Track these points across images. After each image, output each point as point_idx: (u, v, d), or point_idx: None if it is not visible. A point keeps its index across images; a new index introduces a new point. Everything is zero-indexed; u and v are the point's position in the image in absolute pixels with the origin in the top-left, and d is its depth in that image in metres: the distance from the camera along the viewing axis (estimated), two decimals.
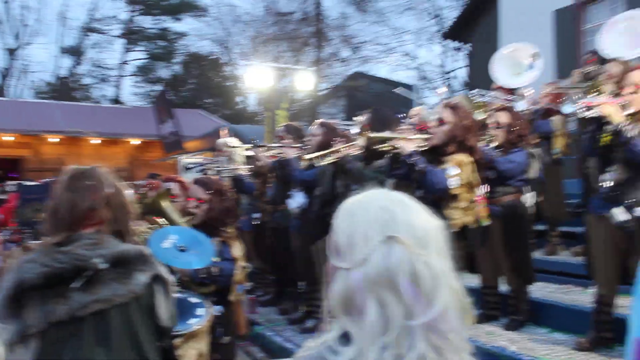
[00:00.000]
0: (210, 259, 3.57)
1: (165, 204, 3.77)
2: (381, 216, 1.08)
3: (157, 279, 2.08)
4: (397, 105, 17.22)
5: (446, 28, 21.62)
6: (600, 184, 3.70)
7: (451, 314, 1.06)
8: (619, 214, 3.52)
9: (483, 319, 4.73)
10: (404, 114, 5.25)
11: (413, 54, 16.74)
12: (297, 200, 5.31)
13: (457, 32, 18.83)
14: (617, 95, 3.95)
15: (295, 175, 5.23)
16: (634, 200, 3.54)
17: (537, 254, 6.05)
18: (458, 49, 24.21)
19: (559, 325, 4.50)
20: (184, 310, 3.36)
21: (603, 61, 5.79)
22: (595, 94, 3.98)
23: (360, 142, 4.16)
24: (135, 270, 2.02)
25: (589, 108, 3.54)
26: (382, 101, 21.01)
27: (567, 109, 3.71)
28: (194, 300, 3.45)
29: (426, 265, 1.05)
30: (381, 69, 30.52)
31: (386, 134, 3.99)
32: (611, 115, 3.45)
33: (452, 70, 25.62)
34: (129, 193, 2.26)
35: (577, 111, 3.63)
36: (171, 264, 3.43)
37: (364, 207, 1.12)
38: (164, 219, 3.76)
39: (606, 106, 3.47)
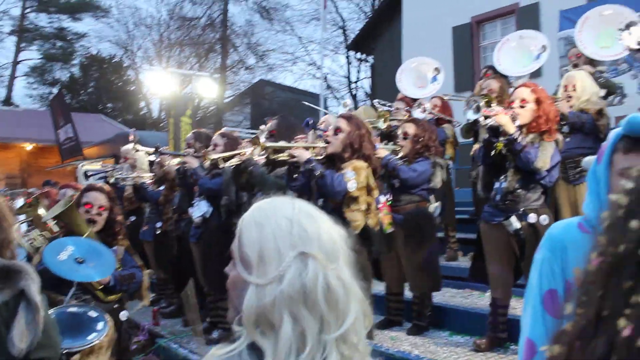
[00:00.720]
0: (110, 271, 3.45)
1: (73, 214, 3.63)
2: (291, 229, 1.08)
3: (22, 297, 1.80)
4: (303, 113, 17.37)
5: (351, 40, 22.06)
6: (494, 193, 3.90)
7: (359, 324, 1.08)
8: (514, 222, 3.73)
9: (387, 324, 4.85)
10: (314, 121, 5.31)
11: (319, 63, 16.99)
12: (200, 209, 5.22)
13: (361, 44, 19.32)
14: (506, 108, 4.21)
15: (200, 183, 5.15)
16: (526, 207, 3.76)
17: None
18: (362, 60, 24.81)
19: (459, 328, 4.68)
20: (83, 326, 3.22)
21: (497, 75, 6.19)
22: (484, 103, 4.22)
23: (256, 152, 4.20)
24: None
25: (486, 117, 3.74)
26: (288, 109, 21.13)
27: (470, 115, 3.89)
28: (93, 314, 3.31)
29: (339, 279, 1.06)
30: (287, 78, 30.58)
31: (281, 143, 4.07)
32: (506, 124, 3.66)
33: (357, 81, 26.19)
34: (10, 202, 2.11)
35: (479, 118, 3.82)
36: (69, 277, 3.29)
37: (273, 219, 1.10)
38: (67, 228, 3.63)
39: (501, 116, 3.68)
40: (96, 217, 3.63)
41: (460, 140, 6.98)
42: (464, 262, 6.16)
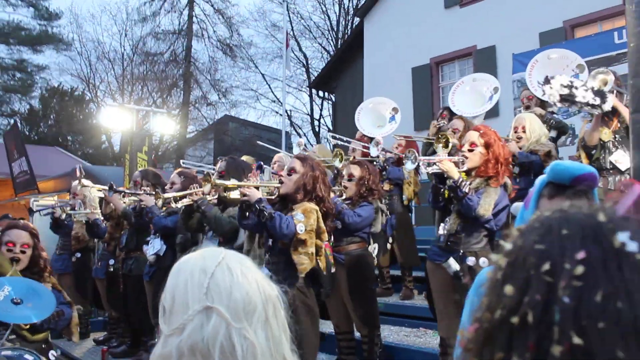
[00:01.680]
0: (50, 311, 3.35)
1: None
2: (203, 282, 1.05)
3: None
4: (265, 150, 17.41)
5: (314, 78, 22.35)
6: (439, 233, 3.94)
7: None
8: (452, 264, 3.76)
9: None
10: (260, 163, 5.35)
11: (282, 100, 17.15)
12: (154, 247, 5.16)
13: (323, 82, 19.60)
14: (455, 152, 4.29)
15: (155, 221, 5.11)
16: (466, 250, 3.79)
17: (393, 299, 6.31)
18: (324, 98, 25.13)
19: None
20: None
21: (452, 117, 6.34)
22: (441, 145, 4.29)
23: (206, 189, 4.18)
24: None
25: (430, 164, 3.79)
26: (251, 146, 21.14)
27: (409, 165, 3.93)
28: (29, 357, 3.17)
29: (244, 338, 1.02)
30: (250, 114, 30.71)
31: (233, 181, 4.05)
32: (450, 170, 3.71)
33: (320, 118, 26.44)
34: None
35: (420, 167, 3.87)
36: (5, 319, 3.17)
37: (189, 269, 1.08)
38: None
39: (445, 162, 3.73)
40: (20, 255, 3.53)
41: (424, 177, 7.06)
42: (419, 300, 6.17)
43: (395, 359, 4.81)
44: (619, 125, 4.35)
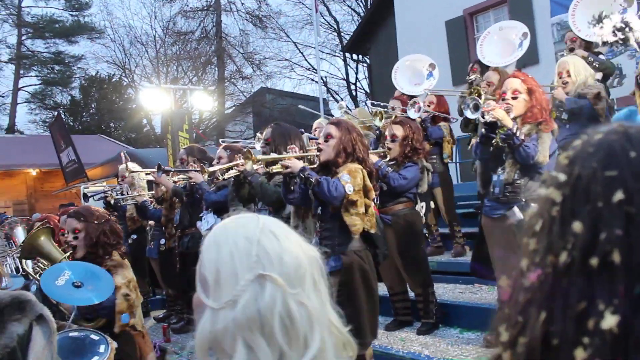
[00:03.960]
0: (110, 292, 3.42)
1: (42, 241, 3.60)
2: (250, 250, 1.00)
3: (38, 322, 1.84)
4: (305, 118, 17.37)
5: (346, 42, 22.05)
6: (492, 186, 3.84)
7: (329, 354, 1.00)
8: (518, 213, 3.65)
9: (396, 325, 4.81)
10: (302, 130, 5.30)
11: (316, 67, 17.03)
12: (208, 222, 5.21)
13: (356, 45, 19.30)
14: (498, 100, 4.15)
15: (206, 197, 5.14)
16: (528, 197, 3.68)
17: (444, 257, 6.26)
18: (359, 62, 24.81)
19: (469, 325, 4.63)
20: (86, 350, 3.19)
21: (483, 69, 6.16)
22: (478, 98, 4.17)
23: (248, 166, 4.17)
24: (9, 320, 1.80)
25: (484, 113, 3.68)
26: (290, 115, 21.14)
27: (469, 114, 3.83)
28: (95, 337, 3.28)
29: (301, 305, 0.98)
30: (286, 84, 30.59)
31: (273, 155, 4.03)
32: (504, 119, 3.59)
33: (356, 82, 26.17)
34: (10, 231, 2.09)
35: (479, 116, 3.76)
36: (68, 302, 3.27)
37: (231, 239, 1.03)
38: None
39: (498, 110, 3.61)
40: (74, 241, 3.56)
41: (459, 134, 6.94)
42: (470, 257, 6.11)
43: (451, 316, 4.79)
44: None
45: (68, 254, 3.56)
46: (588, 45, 5.65)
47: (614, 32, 3.87)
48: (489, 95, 4.72)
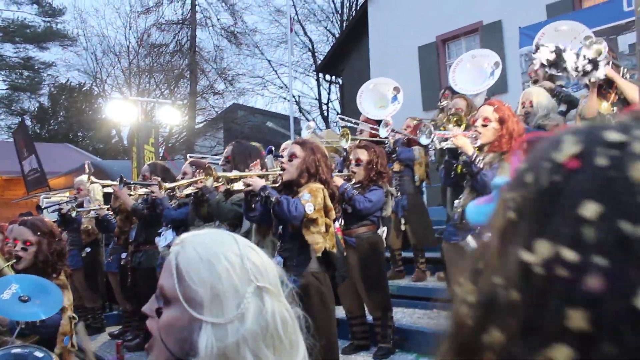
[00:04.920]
0: (58, 307, 3.32)
1: None
2: (243, 264, 1.05)
3: None
4: (274, 136, 17.38)
5: (320, 62, 22.21)
6: (453, 212, 3.87)
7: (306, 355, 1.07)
8: (470, 242, 3.68)
9: (353, 349, 4.77)
10: (271, 148, 5.29)
11: (289, 86, 17.08)
12: (166, 238, 5.14)
13: (330, 66, 19.45)
14: (467, 127, 4.20)
15: (166, 214, 5.10)
16: (483, 226, 3.72)
17: (405, 281, 6.26)
18: (332, 82, 24.97)
19: (427, 350, 4.61)
20: None
21: (455, 95, 6.24)
22: (448, 125, 4.22)
23: (209, 183, 4.14)
24: None
25: (444, 139, 3.71)
26: (260, 133, 21.12)
27: (423, 140, 3.86)
28: (39, 354, 3.16)
29: (287, 310, 1.05)
30: (259, 101, 30.59)
31: (234, 172, 4.02)
32: (464, 146, 3.63)
33: (328, 102, 26.32)
34: None
35: (435, 142, 3.78)
36: (12, 317, 3.15)
37: (221, 255, 1.06)
38: None
39: (460, 137, 3.65)
40: (21, 252, 3.45)
41: (432, 159, 6.98)
42: (431, 282, 6.12)
43: (408, 342, 4.77)
44: (616, 97, 4.24)
45: (11, 262, 3.43)
46: (551, 78, 5.78)
47: (549, 53, 3.95)
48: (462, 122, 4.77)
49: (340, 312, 5.07)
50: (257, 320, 1.00)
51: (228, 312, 1.01)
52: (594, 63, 3.86)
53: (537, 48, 3.86)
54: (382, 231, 4.76)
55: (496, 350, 0.49)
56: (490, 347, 0.50)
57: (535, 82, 5.93)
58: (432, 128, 3.84)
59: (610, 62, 4.24)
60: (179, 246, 1.10)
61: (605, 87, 4.18)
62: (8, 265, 3.40)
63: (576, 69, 3.81)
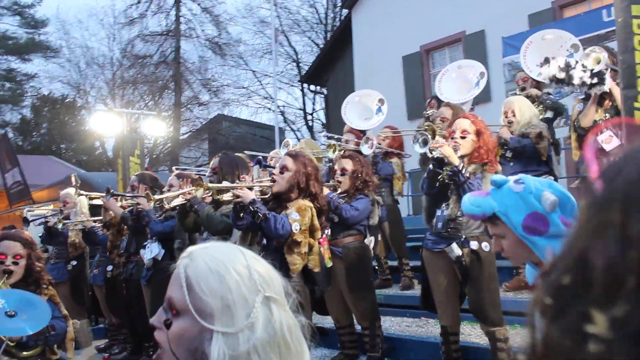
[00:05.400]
0: (46, 321, 3.30)
1: None
2: (251, 275, 1.09)
3: None
4: (260, 147, 17.36)
5: (304, 72, 22.28)
6: (435, 220, 3.91)
7: None
8: (455, 249, 3.74)
9: (342, 359, 4.77)
10: (262, 158, 5.29)
11: (274, 96, 17.13)
12: (152, 251, 5.12)
13: (314, 76, 19.53)
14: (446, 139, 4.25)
15: (152, 227, 5.07)
16: (468, 234, 3.78)
17: (392, 290, 6.28)
18: (316, 92, 25.06)
19: (415, 358, 4.63)
20: None
21: (441, 105, 6.30)
22: (430, 135, 4.25)
23: (199, 194, 4.13)
24: None
25: (432, 149, 3.76)
26: (245, 143, 21.11)
27: (418, 148, 3.91)
28: None
29: (293, 318, 1.08)
30: (243, 112, 30.56)
31: (225, 184, 4.02)
32: (451, 156, 3.70)
33: (312, 112, 26.38)
34: None
35: (427, 151, 3.84)
36: None
37: (230, 266, 1.10)
38: None
39: (446, 148, 3.72)
40: (12, 267, 3.44)
41: (414, 167, 7.05)
42: (418, 290, 6.12)
43: (397, 350, 4.78)
44: (610, 104, 4.32)
45: (4, 278, 3.42)
46: (538, 85, 5.86)
47: (559, 71, 4.06)
48: (443, 131, 4.82)
49: (328, 321, 5.09)
50: (266, 329, 1.03)
51: (238, 322, 1.04)
52: (599, 76, 3.95)
53: (547, 61, 3.96)
54: (370, 241, 4.78)
55: None
56: None
57: (523, 89, 6.02)
58: (429, 137, 3.89)
59: (610, 69, 4.33)
60: (187, 259, 1.12)
61: (604, 94, 4.28)
62: (3, 282, 3.38)
63: (583, 83, 3.91)
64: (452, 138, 3.84)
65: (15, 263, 3.45)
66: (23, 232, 3.82)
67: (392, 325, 5.41)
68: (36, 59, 28.52)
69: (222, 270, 1.08)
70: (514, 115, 4.91)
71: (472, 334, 4.64)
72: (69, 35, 30.64)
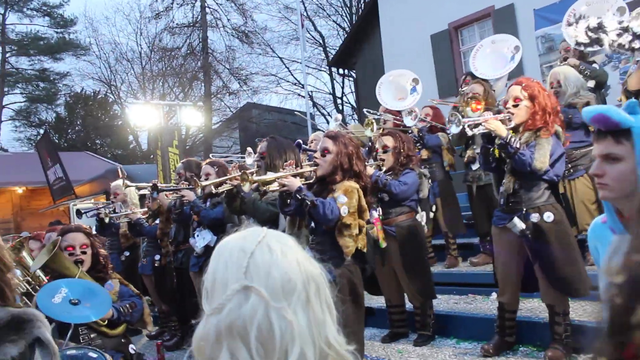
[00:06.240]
0: (107, 308, 3.43)
1: (59, 259, 3.60)
2: (242, 261, 1.04)
3: (39, 345, 1.82)
4: (292, 133, 17.44)
5: (332, 56, 22.21)
6: (499, 196, 3.88)
7: None
8: (518, 224, 3.68)
9: (392, 337, 4.81)
10: (304, 141, 5.32)
11: (303, 82, 17.18)
12: (204, 238, 5.19)
13: (342, 59, 19.42)
14: (498, 111, 4.19)
15: (202, 215, 5.13)
16: (528, 207, 3.72)
17: (437, 268, 6.28)
18: (345, 76, 24.97)
19: (465, 335, 4.65)
20: None
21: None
22: (466, 109, 4.21)
23: (246, 188, 4.15)
24: (3, 342, 1.76)
25: (475, 125, 3.70)
26: (276, 130, 21.18)
27: (454, 129, 3.85)
28: (93, 355, 3.26)
29: (283, 319, 1.01)
30: (273, 99, 30.62)
31: (269, 175, 4.01)
32: (497, 129, 3.62)
33: (342, 96, 26.32)
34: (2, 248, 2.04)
35: (465, 129, 3.78)
36: (65, 319, 3.25)
37: (229, 249, 1.08)
38: (56, 274, 3.60)
39: (491, 121, 3.64)
40: (82, 256, 3.62)
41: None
42: (464, 267, 6.14)
43: (447, 327, 4.80)
44: None
45: (81, 268, 3.59)
46: (582, 55, 5.74)
47: (586, 32, 3.92)
48: (500, 105, 4.73)
49: (375, 301, 5.14)
50: (230, 316, 1.00)
51: (214, 304, 1.03)
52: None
53: (570, 25, 3.84)
54: (422, 217, 4.76)
55: None
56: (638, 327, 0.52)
57: (565, 59, 5.91)
58: (460, 116, 3.83)
59: None
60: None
61: None
62: (81, 271, 3.53)
63: (619, 46, 3.77)
64: (506, 108, 3.76)
65: (84, 252, 3.64)
66: (82, 225, 3.97)
67: (439, 303, 5.42)
68: (67, 57, 29.16)
69: (222, 250, 1.09)
70: (560, 86, 4.82)
71: (522, 308, 4.64)
72: (98, 33, 31.10)
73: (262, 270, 1.03)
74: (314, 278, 1.07)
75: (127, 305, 3.57)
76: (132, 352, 3.55)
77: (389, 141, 4.72)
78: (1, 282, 1.90)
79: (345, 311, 3.55)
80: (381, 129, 5.77)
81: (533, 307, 4.58)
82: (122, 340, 3.54)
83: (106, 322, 3.47)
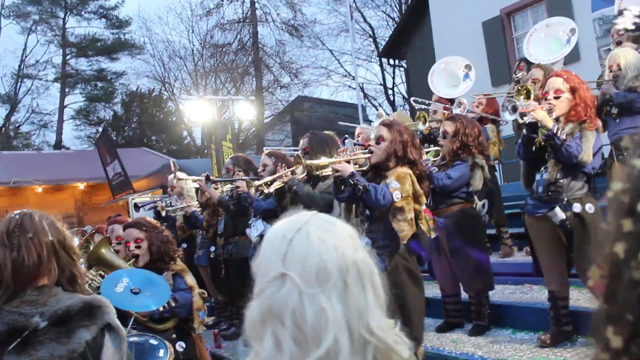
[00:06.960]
0: (166, 298, 3.53)
1: (104, 252, 3.73)
2: (281, 248, 1.07)
3: (108, 330, 1.92)
4: (344, 125, 17.41)
5: (382, 47, 22.07)
6: (535, 185, 3.81)
7: (343, 356, 1.01)
8: (559, 213, 3.64)
9: (447, 327, 4.78)
10: (347, 136, 5.33)
11: (353, 74, 17.15)
12: (257, 228, 5.28)
13: (392, 50, 19.29)
14: (539, 101, 4.11)
15: (255, 206, 5.21)
16: (570, 197, 3.67)
17: (492, 258, 6.19)
18: (395, 66, 24.78)
19: (522, 325, 4.57)
20: (145, 354, 3.29)
21: (530, 67, 6.08)
22: (523, 97, 4.14)
23: (299, 171, 4.19)
24: (78, 327, 1.87)
25: (524, 114, 3.66)
26: (328, 122, 21.21)
27: (507, 116, 3.82)
28: (154, 342, 3.38)
29: (316, 305, 1.02)
30: (323, 91, 30.70)
31: (323, 159, 4.03)
32: (544, 119, 3.58)
33: (393, 87, 26.14)
34: (72, 238, 2.16)
35: (517, 117, 3.74)
36: (127, 308, 3.37)
37: (272, 235, 1.11)
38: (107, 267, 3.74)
39: (539, 111, 3.60)
40: (136, 250, 3.70)
41: (508, 133, 6.86)
42: (520, 257, 6.04)
43: (503, 317, 4.73)
44: None
45: (131, 261, 3.69)
46: (636, 39, 5.52)
47: (632, 20, 3.81)
48: (537, 92, 4.65)
49: (429, 292, 5.11)
50: (266, 301, 1.04)
51: (257, 288, 1.07)
52: None
53: (620, 13, 3.74)
54: (482, 205, 4.61)
55: None
56: None
57: (619, 43, 5.70)
58: (517, 103, 3.79)
59: None
60: None
61: None
62: (129, 265, 3.65)
63: None
64: (546, 99, 3.71)
65: (138, 247, 3.71)
66: (141, 218, 4.08)
67: (494, 293, 5.33)
68: (123, 57, 30.11)
69: (268, 237, 1.12)
70: (620, 69, 4.65)
71: (580, 298, 4.53)
72: (151, 32, 31.97)
73: (298, 257, 1.05)
74: (355, 264, 1.07)
75: (169, 300, 3.59)
76: (179, 349, 3.62)
77: (449, 126, 4.59)
78: (74, 269, 2.02)
79: (405, 292, 3.54)
80: (438, 119, 5.70)
81: (591, 297, 4.47)
82: (173, 336, 3.60)
83: (147, 318, 3.55)
